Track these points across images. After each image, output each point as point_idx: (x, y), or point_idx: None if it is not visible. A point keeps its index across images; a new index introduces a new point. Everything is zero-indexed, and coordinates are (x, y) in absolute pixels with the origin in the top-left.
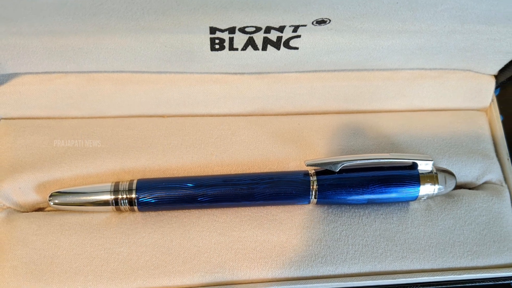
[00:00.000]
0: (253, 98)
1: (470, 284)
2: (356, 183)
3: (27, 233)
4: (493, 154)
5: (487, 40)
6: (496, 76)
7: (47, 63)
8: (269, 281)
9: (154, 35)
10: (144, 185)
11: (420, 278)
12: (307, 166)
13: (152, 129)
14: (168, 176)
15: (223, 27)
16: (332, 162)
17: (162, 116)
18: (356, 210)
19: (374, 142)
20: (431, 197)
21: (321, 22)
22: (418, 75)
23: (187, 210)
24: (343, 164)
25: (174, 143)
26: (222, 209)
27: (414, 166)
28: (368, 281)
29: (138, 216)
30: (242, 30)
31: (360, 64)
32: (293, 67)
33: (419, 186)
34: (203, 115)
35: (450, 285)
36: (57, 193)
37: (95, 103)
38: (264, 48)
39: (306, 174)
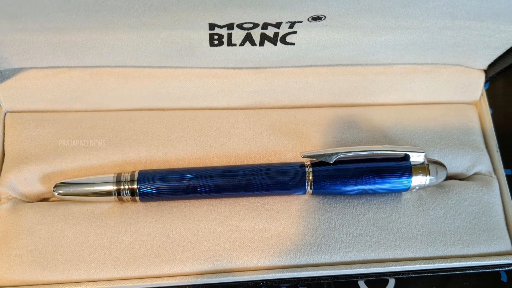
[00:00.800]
0: (251, 92)
1: (460, 272)
2: (350, 174)
3: (32, 223)
4: (483, 146)
5: (477, 36)
6: (485, 71)
7: (52, 58)
8: (266, 269)
9: (155, 31)
10: (145, 176)
11: (412, 266)
12: (303, 157)
13: (153, 122)
14: (168, 167)
15: (221, 24)
16: (327, 154)
17: (163, 110)
18: (350, 200)
19: (368, 134)
20: (422, 188)
21: (316, 18)
22: (410, 70)
23: (187, 200)
24: (338, 155)
25: (174, 136)
26: (221, 199)
27: (406, 157)
28: (362, 269)
29: (139, 206)
30: (240, 26)
31: (354, 59)
32: (290, 62)
33: (411, 177)
34: (202, 109)
35: (441, 273)
36: (61, 184)
37: (98, 97)
38: (262, 43)
39: (302, 165)
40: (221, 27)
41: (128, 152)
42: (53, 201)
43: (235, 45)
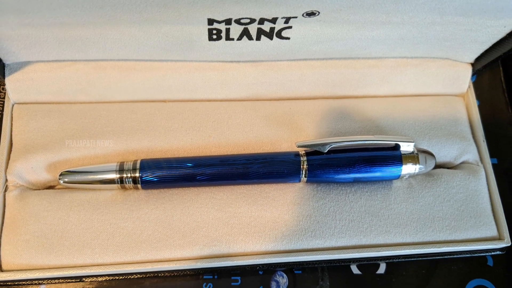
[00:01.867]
0: (248, 85)
1: (448, 257)
2: (343, 163)
3: (38, 209)
4: (470, 136)
5: (465, 31)
6: (472, 64)
7: (57, 52)
8: (263, 254)
9: (156, 26)
10: (147, 165)
11: (402, 251)
12: (298, 147)
13: (155, 113)
14: (169, 156)
15: (220, 19)
16: (321, 143)
17: (164, 101)
18: (343, 188)
19: (360, 125)
20: (412, 176)
21: (310, 14)
22: (400, 63)
23: (186, 188)
24: (331, 145)
25: (175, 126)
26: (219, 187)
27: (396, 147)
28: (354, 254)
29: (141, 194)
30: (238, 21)
31: (347, 53)
32: (285, 55)
33: (401, 165)
34: (201, 100)
35: (430, 257)
36: (67, 172)
37: (101, 89)
38: (258, 38)
39: (297, 154)
40: (219, 22)
41: (130, 142)
42: (58, 188)
43: (233, 39)
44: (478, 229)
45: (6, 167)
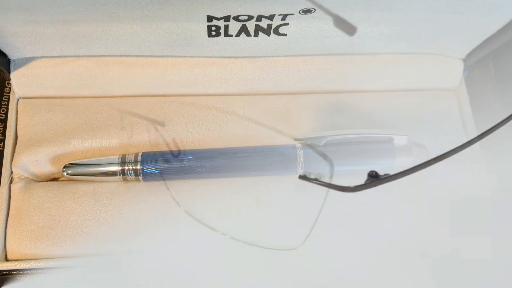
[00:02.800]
0: (246, 80)
1: None
2: (338, 156)
3: (43, 201)
4: (462, 130)
5: (456, 28)
6: (464, 60)
7: (61, 48)
8: None
9: (157, 22)
10: (148, 158)
11: None
12: (294, 140)
13: (155, 107)
14: (170, 149)
15: (219, 16)
16: (317, 137)
17: (165, 96)
18: (338, 180)
19: (355, 119)
20: None
21: (307, 11)
22: (394, 59)
23: (186, 180)
24: (327, 139)
25: (175, 120)
26: (218, 179)
27: (390, 140)
28: None
29: (142, 185)
30: (236, 18)
31: (342, 49)
32: (282, 51)
33: (395, 158)
34: (201, 95)
35: None
36: (70, 165)
37: (104, 84)
38: (256, 34)
39: (294, 147)
40: (218, 19)
41: (132, 135)
42: (62, 180)
43: (231, 36)
44: None
45: (12, 160)
